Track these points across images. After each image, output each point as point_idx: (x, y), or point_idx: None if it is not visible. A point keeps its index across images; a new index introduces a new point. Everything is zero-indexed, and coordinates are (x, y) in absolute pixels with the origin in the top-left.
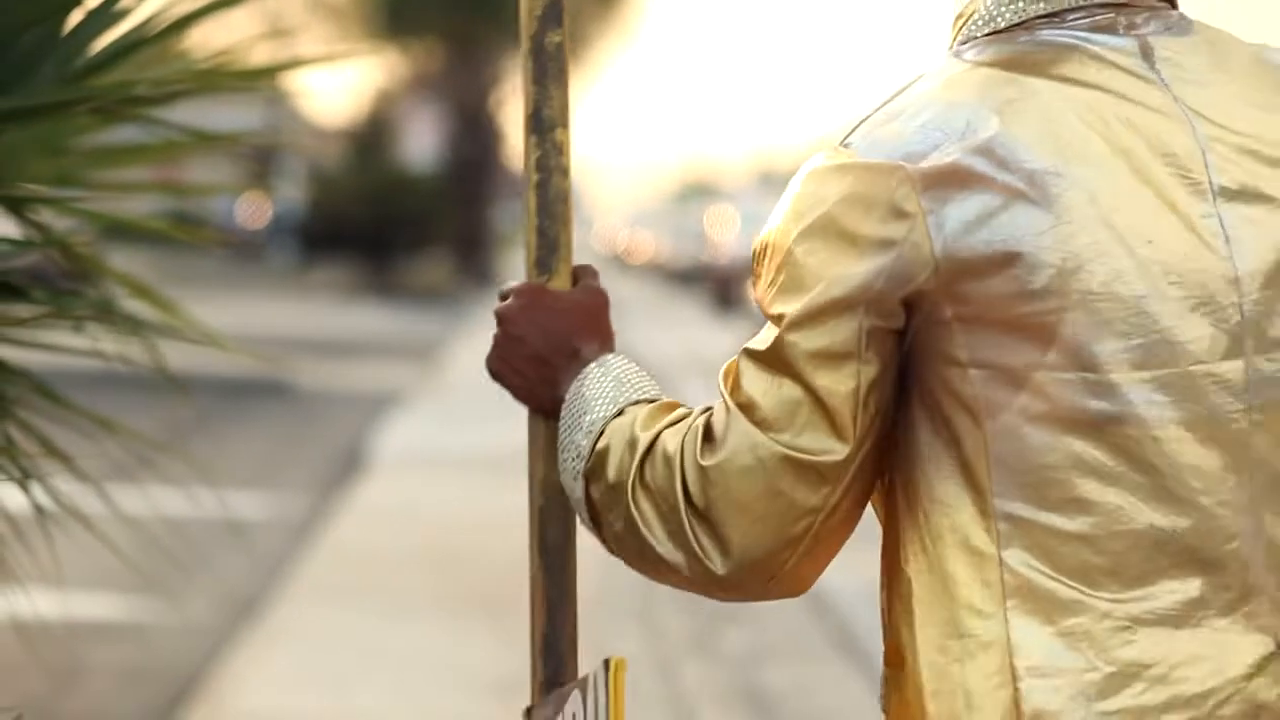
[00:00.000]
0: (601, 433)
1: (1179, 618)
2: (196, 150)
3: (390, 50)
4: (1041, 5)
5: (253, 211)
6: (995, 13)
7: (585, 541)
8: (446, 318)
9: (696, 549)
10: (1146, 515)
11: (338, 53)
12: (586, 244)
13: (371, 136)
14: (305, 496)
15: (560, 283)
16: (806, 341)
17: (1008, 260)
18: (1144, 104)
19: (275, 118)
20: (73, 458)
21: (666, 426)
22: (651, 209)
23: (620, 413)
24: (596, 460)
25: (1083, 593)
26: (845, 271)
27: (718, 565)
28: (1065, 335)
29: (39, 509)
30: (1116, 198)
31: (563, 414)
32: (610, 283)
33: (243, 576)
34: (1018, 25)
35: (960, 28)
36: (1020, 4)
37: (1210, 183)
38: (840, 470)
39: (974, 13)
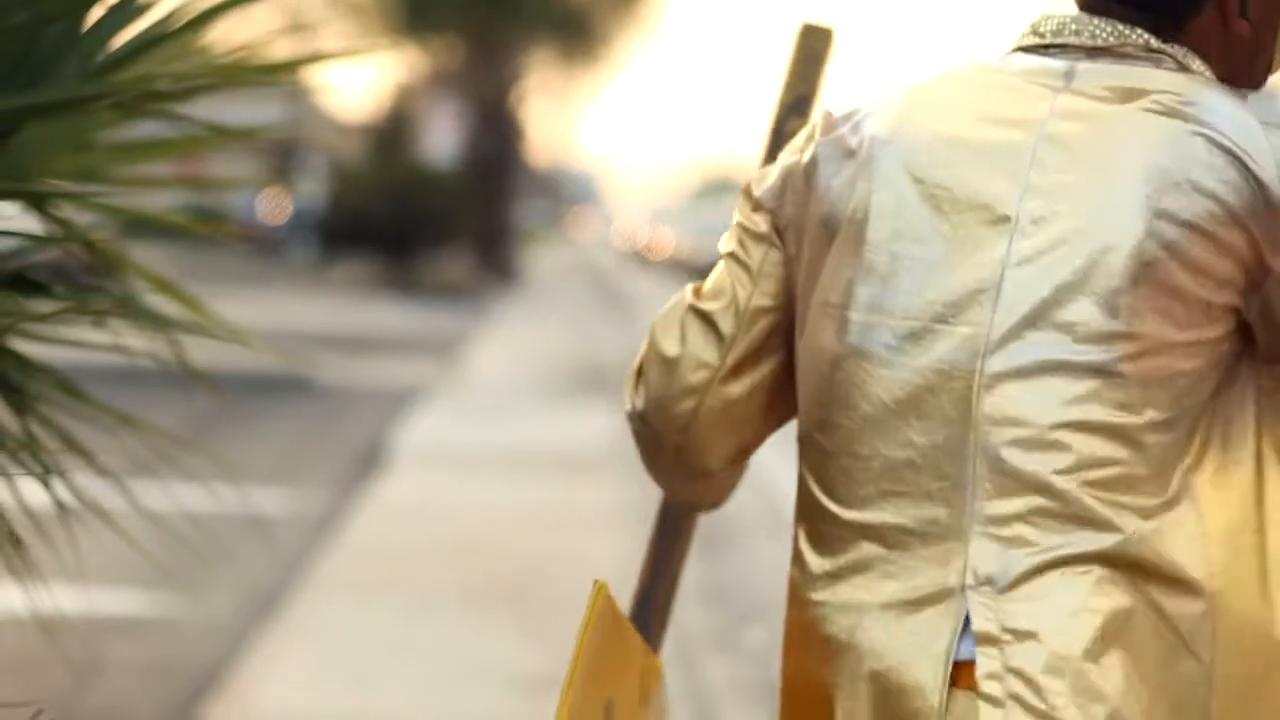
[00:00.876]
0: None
1: (891, 537)
2: (217, 146)
3: (411, 46)
4: (1033, 39)
5: (273, 207)
6: (1018, 40)
7: (603, 546)
8: (467, 314)
9: (630, 392)
10: (872, 443)
11: (358, 48)
12: (607, 241)
13: (392, 132)
14: (326, 492)
15: None
16: (740, 215)
17: (821, 200)
18: (1015, 113)
19: (296, 113)
20: (94, 453)
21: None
22: (672, 205)
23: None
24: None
25: (826, 500)
26: (766, 175)
27: (639, 403)
28: (844, 275)
29: (61, 505)
30: (928, 170)
31: None
32: (631, 280)
33: (263, 572)
34: (1016, 50)
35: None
36: (1024, 39)
37: (1026, 182)
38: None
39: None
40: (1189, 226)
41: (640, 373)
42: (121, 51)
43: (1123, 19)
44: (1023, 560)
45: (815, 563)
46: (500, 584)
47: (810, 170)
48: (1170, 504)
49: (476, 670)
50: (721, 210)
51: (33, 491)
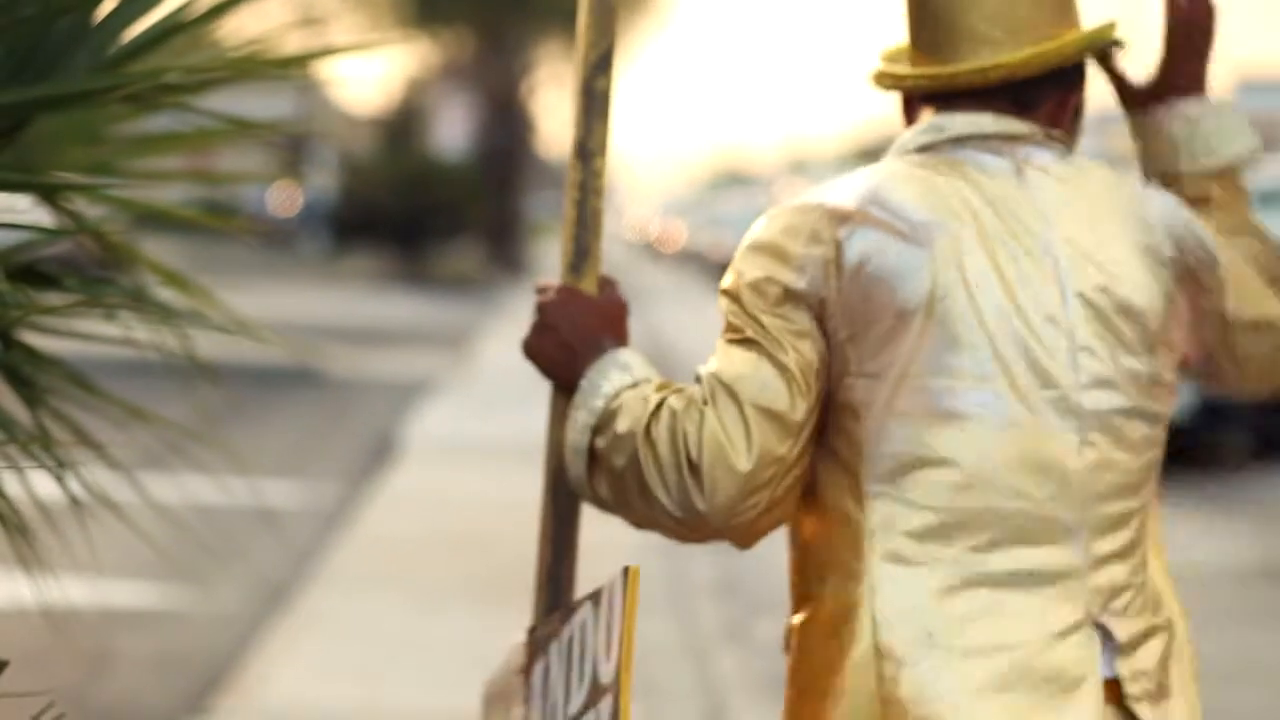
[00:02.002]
0: (616, 396)
1: (1008, 581)
2: (228, 139)
3: (421, 39)
4: (946, 134)
5: (284, 200)
6: (914, 139)
7: (616, 537)
8: (477, 306)
9: (689, 487)
10: (983, 496)
11: (369, 41)
12: (618, 234)
13: (403, 125)
14: (336, 485)
15: (588, 284)
16: (762, 311)
17: (891, 284)
18: (1007, 197)
19: (307, 106)
20: (105, 446)
21: (672, 393)
22: (683, 197)
23: (634, 385)
24: (606, 417)
25: (929, 550)
26: (785, 277)
27: (700, 503)
28: (927, 348)
29: (72, 497)
30: (971, 253)
31: (581, 386)
32: (642, 273)
33: (274, 565)
34: (929, 148)
35: (891, 150)
36: (931, 134)
37: (1052, 257)
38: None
39: (902, 139)
40: (1170, 290)
41: (693, 472)
42: (133, 44)
43: (998, 110)
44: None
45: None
46: (510, 576)
47: (858, 259)
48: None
49: (486, 662)
50: (733, 201)
51: (44, 484)
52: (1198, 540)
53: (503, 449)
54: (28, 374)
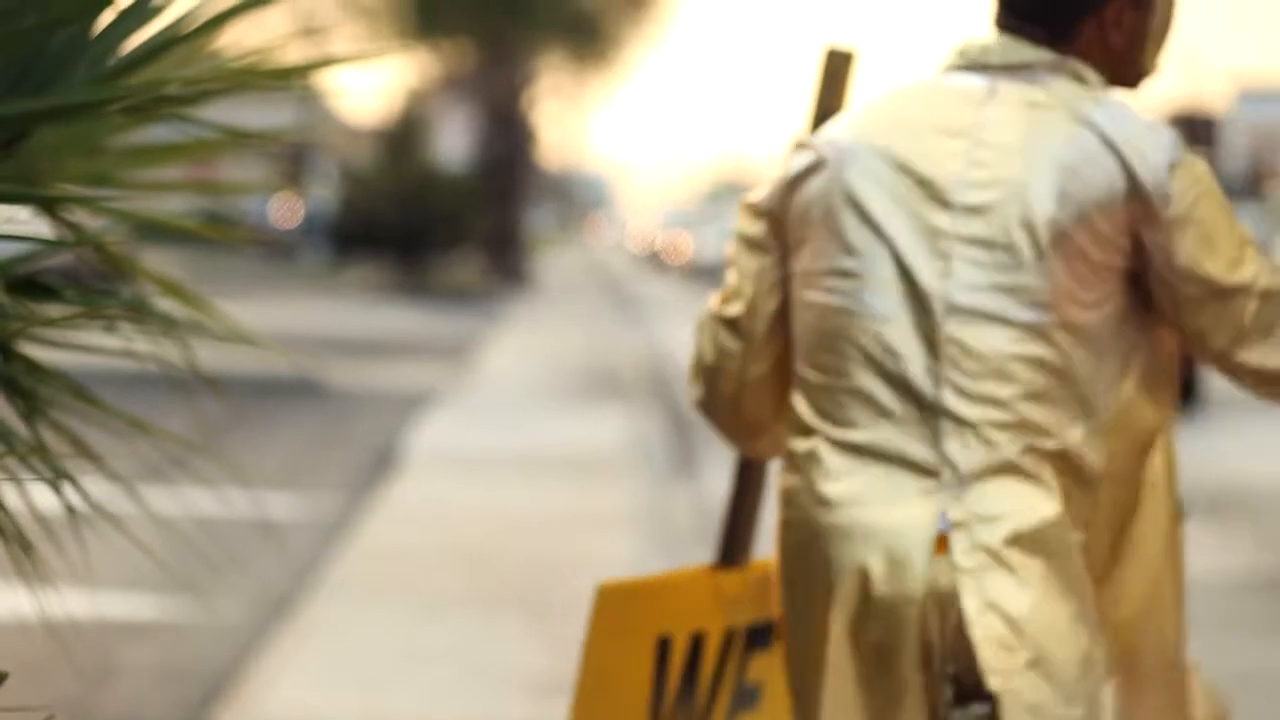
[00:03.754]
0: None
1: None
2: (229, 150)
3: (422, 50)
4: (960, 59)
5: (285, 211)
6: (944, 60)
7: (615, 549)
8: (478, 317)
9: (691, 385)
10: (856, 379)
11: (370, 52)
12: (621, 245)
13: (403, 136)
14: (337, 496)
15: None
16: (742, 225)
17: (809, 198)
18: (957, 124)
19: (308, 118)
20: (105, 458)
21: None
22: (685, 209)
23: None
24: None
25: (819, 424)
26: (760, 190)
27: (698, 394)
28: (829, 250)
29: (71, 509)
30: (880, 173)
31: None
32: (648, 285)
33: (275, 576)
34: (949, 68)
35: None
36: (952, 57)
37: (967, 177)
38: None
39: (945, 56)
40: (1086, 205)
41: (695, 371)
42: (132, 56)
43: (1030, 38)
44: (983, 458)
45: (820, 470)
46: (512, 587)
47: (793, 180)
48: (1093, 419)
49: (488, 673)
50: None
51: (44, 496)
52: (1196, 550)
53: (503, 460)
54: (27, 386)
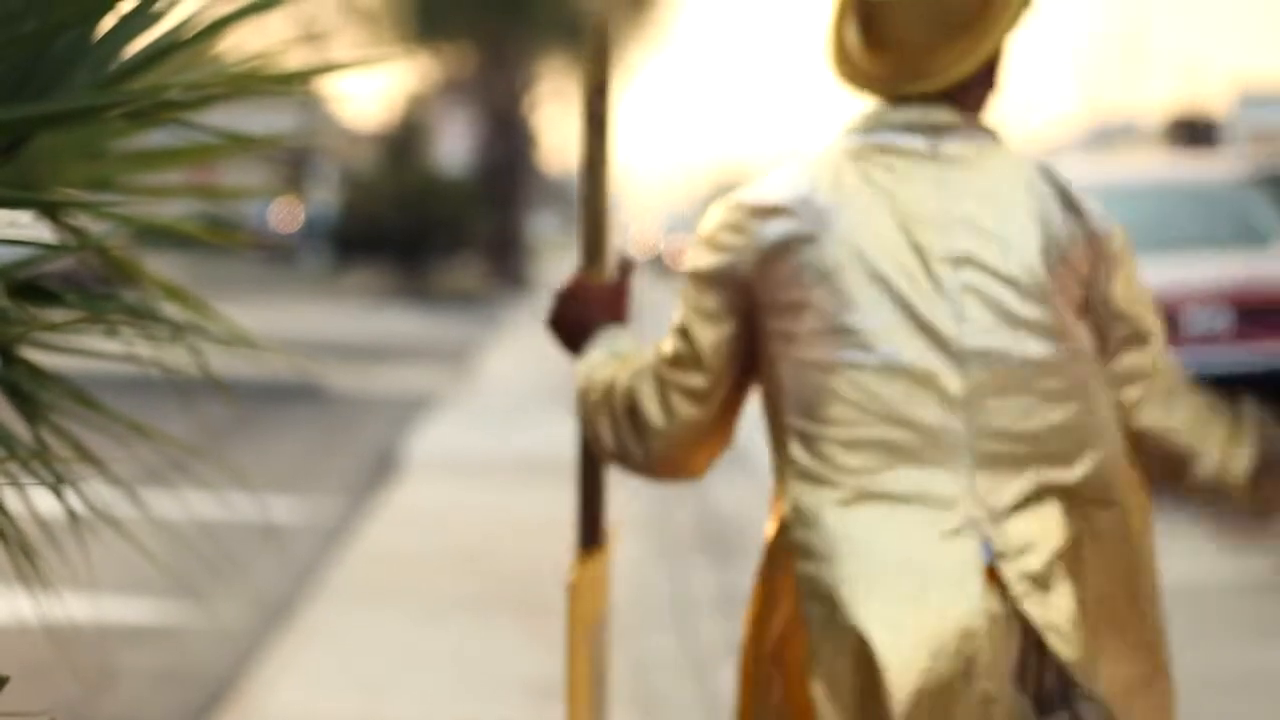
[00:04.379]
0: (597, 366)
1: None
2: (230, 154)
3: (423, 54)
4: (883, 122)
5: (286, 215)
6: (857, 123)
7: (615, 554)
8: (479, 321)
9: (628, 440)
10: (874, 429)
11: (371, 57)
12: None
13: (404, 140)
14: (338, 500)
15: (599, 273)
16: (692, 299)
17: (798, 261)
18: (913, 179)
19: (309, 122)
20: (106, 462)
21: (629, 369)
22: (688, 212)
23: (613, 357)
24: (585, 385)
25: (832, 472)
26: (713, 261)
27: (637, 451)
28: (828, 309)
29: (72, 514)
30: (868, 230)
31: (581, 357)
32: (652, 290)
33: (275, 580)
34: (866, 131)
35: (842, 129)
36: (872, 121)
37: (937, 241)
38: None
39: (850, 121)
40: (1063, 249)
41: (639, 433)
42: (133, 61)
43: (933, 104)
44: (1013, 492)
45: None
46: (512, 591)
47: (773, 247)
48: (1111, 444)
49: (488, 677)
50: None
51: (45, 501)
52: (1197, 554)
53: (504, 464)
54: (29, 390)
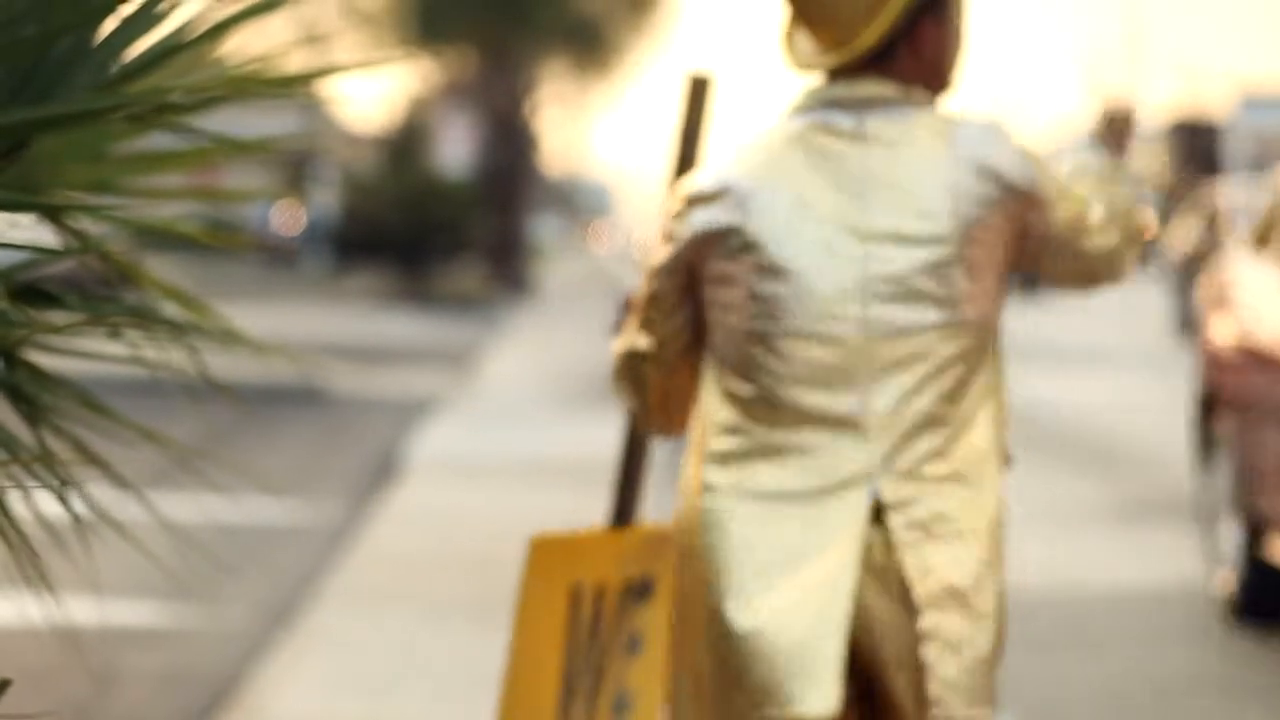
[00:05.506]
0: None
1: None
2: (231, 157)
3: (424, 57)
4: (815, 99)
5: (287, 218)
6: (793, 102)
7: None
8: (480, 324)
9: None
10: (787, 391)
11: (372, 60)
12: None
13: (406, 143)
14: (340, 502)
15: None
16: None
17: (724, 240)
18: (841, 157)
19: (310, 124)
20: (109, 464)
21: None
22: None
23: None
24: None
25: (750, 426)
26: (660, 252)
27: (635, 405)
28: (752, 279)
29: (76, 516)
30: (788, 208)
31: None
32: None
33: (278, 582)
34: (801, 110)
35: (782, 109)
36: (804, 99)
37: (864, 206)
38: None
39: (789, 101)
40: (971, 221)
41: (625, 380)
42: (134, 64)
43: (859, 77)
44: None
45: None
46: (514, 593)
47: (707, 230)
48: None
49: (489, 678)
50: None
51: (50, 504)
52: (1198, 556)
53: (506, 467)
54: (31, 393)
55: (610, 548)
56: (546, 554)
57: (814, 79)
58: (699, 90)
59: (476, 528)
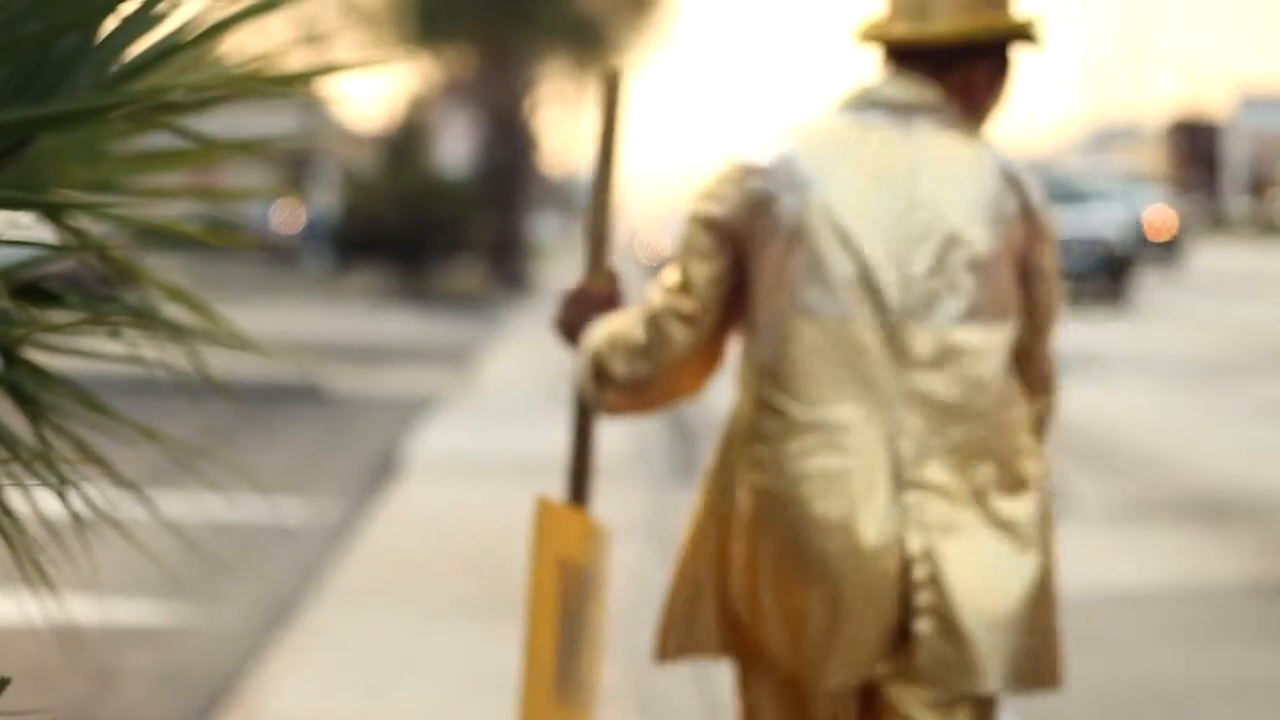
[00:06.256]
0: (595, 351)
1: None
2: (232, 156)
3: (424, 56)
4: (863, 97)
5: (287, 217)
6: (843, 98)
7: (616, 554)
8: (480, 323)
9: (637, 364)
10: (825, 370)
11: (372, 59)
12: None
13: (405, 142)
14: (340, 501)
15: (600, 278)
16: (690, 235)
17: (776, 219)
18: (890, 152)
19: (310, 123)
20: (109, 463)
21: (629, 320)
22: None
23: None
24: (596, 360)
25: (790, 403)
26: (710, 208)
27: (641, 370)
28: (798, 263)
29: (76, 515)
30: (843, 198)
31: (580, 347)
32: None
33: (278, 581)
34: (851, 105)
35: (832, 102)
36: (854, 95)
37: (909, 202)
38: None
39: (840, 95)
40: (1002, 229)
41: (631, 353)
42: (135, 62)
43: (913, 73)
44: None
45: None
46: (514, 592)
47: (758, 201)
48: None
49: (490, 679)
50: None
51: (49, 502)
52: (1199, 556)
53: (505, 466)
54: (32, 391)
55: (580, 530)
56: (549, 518)
57: (866, 78)
58: (613, 86)
59: (476, 526)
